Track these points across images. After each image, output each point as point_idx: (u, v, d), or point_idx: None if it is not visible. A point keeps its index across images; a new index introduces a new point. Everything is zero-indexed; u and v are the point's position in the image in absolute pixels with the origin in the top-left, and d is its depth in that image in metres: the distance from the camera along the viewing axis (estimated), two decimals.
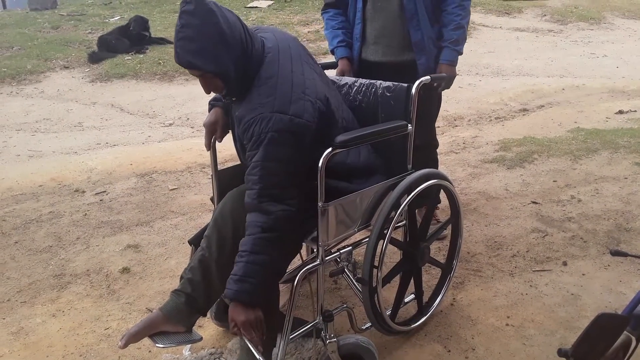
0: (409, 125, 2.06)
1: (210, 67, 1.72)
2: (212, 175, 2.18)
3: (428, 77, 2.10)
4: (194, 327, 1.98)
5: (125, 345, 1.85)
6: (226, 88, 1.80)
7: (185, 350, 2.20)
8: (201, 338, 1.95)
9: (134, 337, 1.86)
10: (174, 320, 1.91)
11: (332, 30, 2.73)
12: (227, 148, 2.22)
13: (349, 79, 2.29)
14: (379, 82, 2.19)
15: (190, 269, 1.97)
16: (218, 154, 2.19)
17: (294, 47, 1.94)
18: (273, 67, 1.81)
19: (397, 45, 2.65)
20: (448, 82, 2.62)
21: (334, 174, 1.88)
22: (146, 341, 2.15)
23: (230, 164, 2.51)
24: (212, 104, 2.08)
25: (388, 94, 2.15)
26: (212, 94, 2.00)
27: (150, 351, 2.23)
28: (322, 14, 2.79)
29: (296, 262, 2.66)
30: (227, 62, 1.73)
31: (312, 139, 1.78)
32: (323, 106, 1.84)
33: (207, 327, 2.35)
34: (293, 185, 1.76)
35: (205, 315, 2.07)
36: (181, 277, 2.00)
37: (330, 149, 1.77)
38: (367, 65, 2.70)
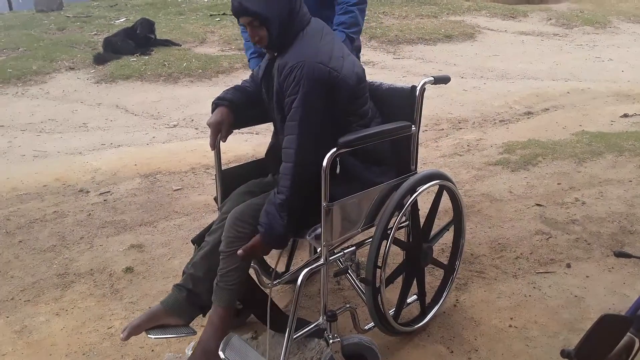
0: (413, 125, 2.06)
1: (259, 10, 1.84)
2: (215, 175, 2.19)
3: (431, 77, 2.10)
4: (194, 323, 2.00)
5: (127, 337, 1.88)
6: (269, 38, 1.90)
7: (188, 349, 2.20)
8: (195, 332, 1.98)
9: (135, 330, 1.90)
10: (175, 314, 1.94)
11: (246, 42, 2.74)
12: (231, 149, 2.24)
13: None
14: (382, 83, 2.19)
15: (192, 264, 1.99)
16: (222, 155, 2.20)
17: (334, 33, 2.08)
18: (317, 28, 1.97)
19: None
20: None
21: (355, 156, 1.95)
22: (149, 340, 2.17)
23: (233, 165, 2.51)
24: (216, 103, 2.08)
25: (391, 95, 2.15)
26: (210, 98, 2.05)
27: (152, 350, 2.24)
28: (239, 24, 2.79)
29: (299, 262, 2.67)
30: (275, 10, 1.85)
31: (347, 99, 1.91)
32: (362, 75, 1.98)
33: None
34: (326, 137, 1.83)
35: (205, 314, 2.08)
36: (183, 272, 2.01)
37: (334, 149, 1.78)
38: None
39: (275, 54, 1.97)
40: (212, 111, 2.09)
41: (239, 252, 1.88)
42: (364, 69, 2.02)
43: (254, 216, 1.91)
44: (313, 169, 1.80)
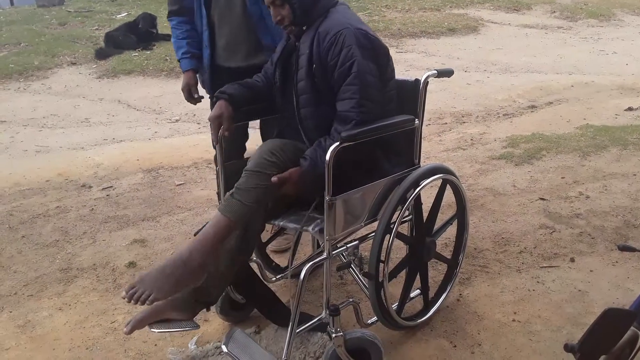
0: (416, 119, 2.05)
1: None
2: (218, 169, 2.18)
3: (435, 70, 2.09)
4: (197, 318, 1.99)
5: (130, 331, 1.88)
6: (293, 15, 1.92)
7: (191, 343, 2.20)
8: (198, 327, 1.97)
9: (139, 323, 1.89)
10: (179, 309, 1.94)
11: (176, 40, 2.62)
12: None
13: None
14: None
15: None
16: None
17: None
18: (345, 9, 2.01)
19: (247, 50, 2.56)
20: None
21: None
22: (152, 335, 2.16)
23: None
24: (216, 96, 2.07)
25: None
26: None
27: (156, 345, 2.24)
28: (168, 20, 2.66)
29: (302, 256, 2.67)
30: None
31: (386, 68, 1.96)
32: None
33: (212, 322, 2.35)
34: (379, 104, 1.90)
35: (209, 309, 2.08)
36: None
37: (337, 143, 1.77)
38: (221, 71, 2.59)
39: (304, 28, 1.97)
40: (213, 105, 2.09)
41: (274, 178, 1.85)
42: None
43: (293, 151, 1.95)
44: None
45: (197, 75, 2.67)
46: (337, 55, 1.86)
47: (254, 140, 2.61)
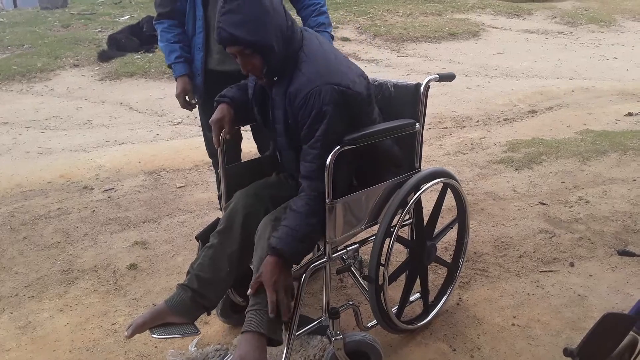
0: (417, 123, 2.06)
1: (253, 38, 1.72)
2: (220, 172, 2.18)
3: (436, 75, 2.10)
4: (197, 322, 1.99)
5: (131, 335, 1.88)
6: (267, 65, 1.79)
7: (191, 346, 2.21)
8: (199, 332, 1.97)
9: (140, 328, 1.89)
10: (179, 314, 1.94)
11: (167, 44, 2.50)
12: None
13: None
14: (386, 80, 2.19)
15: (198, 265, 1.98)
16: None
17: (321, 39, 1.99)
18: (315, 45, 1.86)
19: None
20: None
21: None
22: (152, 337, 2.16)
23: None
24: (217, 100, 2.08)
25: (396, 93, 2.15)
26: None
27: (156, 347, 2.24)
28: (155, 24, 2.54)
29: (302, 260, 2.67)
30: (270, 35, 1.73)
31: (361, 112, 1.85)
32: (367, 84, 1.91)
33: (212, 324, 2.36)
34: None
35: (209, 313, 2.08)
36: (188, 272, 2.01)
37: (338, 147, 1.78)
38: (215, 75, 2.51)
39: (275, 79, 1.86)
40: (214, 109, 2.08)
41: (249, 292, 1.80)
42: (365, 73, 1.97)
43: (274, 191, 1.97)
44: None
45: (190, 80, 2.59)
46: (307, 117, 1.76)
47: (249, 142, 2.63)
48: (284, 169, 2.12)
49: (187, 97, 2.55)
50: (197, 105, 2.62)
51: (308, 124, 1.76)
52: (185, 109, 2.62)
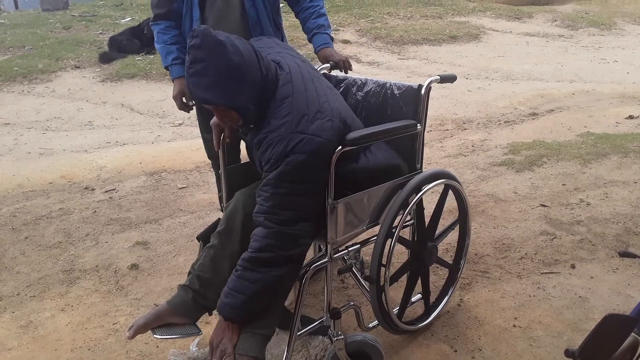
0: (418, 124, 2.06)
1: (224, 101, 1.69)
2: (221, 173, 2.19)
3: (438, 76, 2.11)
4: (199, 322, 2.00)
5: (133, 336, 1.88)
6: (243, 119, 1.76)
7: (192, 346, 2.21)
8: (200, 332, 1.97)
9: (142, 328, 1.89)
10: (181, 314, 1.94)
11: (164, 46, 2.48)
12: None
13: (354, 77, 2.30)
14: (388, 82, 2.19)
15: (199, 265, 1.99)
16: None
17: (303, 66, 1.91)
18: (287, 89, 1.77)
19: None
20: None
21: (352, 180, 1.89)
22: (154, 338, 2.17)
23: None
24: None
25: (397, 94, 2.15)
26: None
27: (157, 346, 2.25)
28: (151, 25, 2.53)
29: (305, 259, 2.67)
30: (241, 94, 1.68)
31: (329, 158, 1.75)
32: (341, 125, 1.79)
33: (214, 324, 2.34)
34: (303, 209, 1.73)
35: (211, 313, 2.09)
36: (189, 273, 2.01)
37: (340, 147, 1.78)
38: None
39: (251, 126, 1.84)
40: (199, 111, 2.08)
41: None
42: (341, 109, 1.86)
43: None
44: (278, 242, 1.72)
45: None
46: (266, 163, 1.72)
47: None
48: None
49: (184, 98, 2.55)
50: (194, 107, 2.62)
51: (265, 169, 1.72)
52: (182, 111, 2.61)
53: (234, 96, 1.68)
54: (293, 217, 1.71)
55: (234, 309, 1.75)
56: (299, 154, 1.66)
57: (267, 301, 1.78)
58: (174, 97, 2.56)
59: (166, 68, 2.55)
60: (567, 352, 1.65)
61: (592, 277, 2.64)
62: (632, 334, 1.75)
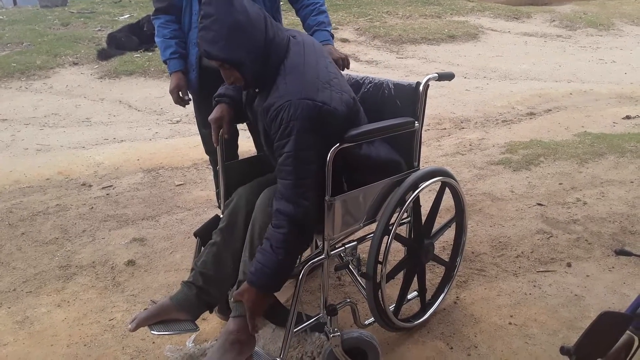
0: (416, 122, 2.07)
1: (224, 55, 1.74)
2: (219, 169, 2.19)
3: (435, 74, 2.11)
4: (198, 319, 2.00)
5: (135, 329, 1.89)
6: (244, 79, 1.80)
7: (189, 342, 2.21)
8: (198, 329, 1.97)
9: (144, 321, 1.90)
10: (183, 310, 1.94)
11: (163, 40, 2.50)
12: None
13: (352, 75, 2.30)
14: (386, 79, 2.20)
15: (202, 262, 1.99)
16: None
17: (318, 46, 1.96)
18: (299, 58, 1.82)
19: None
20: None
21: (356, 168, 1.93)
22: (151, 334, 2.17)
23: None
24: (217, 100, 2.08)
25: (395, 92, 2.16)
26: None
27: (154, 342, 2.25)
28: (152, 19, 2.55)
29: (301, 258, 2.68)
30: (241, 50, 1.74)
31: (340, 129, 1.79)
32: (351, 100, 1.86)
33: (210, 320, 2.36)
34: (322, 177, 1.77)
35: (212, 310, 2.09)
36: (192, 269, 2.01)
37: (338, 144, 1.78)
38: (209, 71, 2.50)
39: (257, 90, 1.89)
40: (213, 108, 2.09)
41: (235, 297, 1.83)
42: (351, 90, 1.93)
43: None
44: (311, 213, 1.76)
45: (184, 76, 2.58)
46: (277, 132, 1.74)
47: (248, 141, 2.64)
48: None
49: (180, 92, 2.56)
50: (190, 102, 2.63)
51: (277, 138, 1.74)
52: (178, 105, 2.62)
53: (234, 51, 1.73)
54: (311, 184, 1.75)
55: (267, 284, 1.78)
56: (308, 119, 1.70)
57: (289, 269, 1.84)
58: (171, 91, 2.57)
59: (164, 62, 2.55)
60: (563, 350, 1.66)
61: (587, 276, 2.65)
62: (627, 331, 1.76)
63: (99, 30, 9.25)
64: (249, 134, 2.69)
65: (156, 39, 2.56)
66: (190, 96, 2.62)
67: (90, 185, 3.89)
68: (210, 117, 2.05)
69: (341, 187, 1.91)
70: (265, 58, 1.78)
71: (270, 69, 1.80)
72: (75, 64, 7.52)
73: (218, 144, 2.11)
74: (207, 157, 4.29)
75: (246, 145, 2.78)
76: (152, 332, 1.92)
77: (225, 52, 1.74)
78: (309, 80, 1.77)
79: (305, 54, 1.85)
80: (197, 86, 2.56)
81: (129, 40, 8.00)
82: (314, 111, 1.71)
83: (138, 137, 5.01)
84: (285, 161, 1.73)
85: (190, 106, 2.69)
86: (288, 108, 1.71)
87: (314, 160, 1.74)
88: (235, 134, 2.66)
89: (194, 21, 2.47)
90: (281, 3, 2.61)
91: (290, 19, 6.30)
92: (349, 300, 2.07)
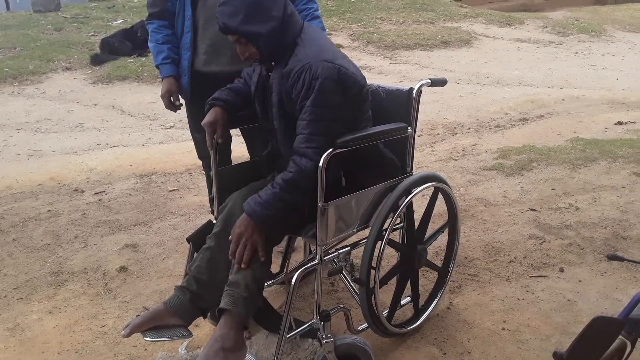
0: (409, 127, 2.07)
1: (244, 29, 1.81)
2: (212, 175, 2.18)
3: (428, 80, 2.12)
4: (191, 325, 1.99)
5: (129, 335, 1.87)
6: (261, 54, 1.88)
7: (181, 348, 2.20)
8: (191, 335, 1.96)
9: (137, 328, 1.88)
10: (177, 315, 1.93)
11: (156, 45, 2.52)
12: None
13: None
14: (379, 85, 2.20)
15: (196, 267, 1.98)
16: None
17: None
18: (317, 34, 1.95)
19: (232, 54, 2.39)
20: None
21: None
22: (142, 339, 2.16)
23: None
24: (210, 104, 2.08)
25: (388, 97, 2.16)
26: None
27: (146, 349, 2.23)
28: (146, 24, 2.57)
29: (294, 262, 2.67)
30: (261, 24, 1.82)
31: (357, 98, 1.90)
32: (364, 80, 1.95)
33: (203, 327, 2.34)
34: (337, 136, 1.81)
35: (205, 316, 2.08)
36: (185, 274, 2.01)
37: (330, 150, 1.78)
38: (201, 76, 2.53)
39: (273, 63, 1.94)
40: (207, 112, 2.08)
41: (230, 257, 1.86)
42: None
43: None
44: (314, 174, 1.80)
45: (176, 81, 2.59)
46: (299, 91, 1.81)
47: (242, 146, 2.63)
48: (280, 168, 2.10)
49: (172, 98, 2.57)
50: (181, 107, 2.63)
51: (301, 97, 1.81)
52: (169, 110, 2.63)
53: (252, 25, 1.81)
54: (325, 142, 1.79)
55: (263, 220, 1.81)
56: (328, 79, 1.78)
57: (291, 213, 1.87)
58: (162, 96, 2.58)
59: (157, 67, 2.56)
60: (555, 355, 1.66)
61: (580, 281, 2.65)
62: (620, 336, 1.76)
63: (93, 35, 9.23)
64: (241, 139, 2.69)
65: (149, 44, 2.57)
66: (181, 101, 2.62)
67: (83, 191, 3.87)
68: (204, 121, 2.05)
69: (339, 185, 1.94)
70: (282, 33, 1.86)
71: (287, 43, 1.88)
72: (68, 69, 7.50)
73: (212, 148, 2.10)
74: (200, 163, 4.28)
75: (239, 150, 2.77)
76: (145, 338, 1.91)
77: (244, 25, 1.81)
78: (328, 48, 1.89)
79: (320, 34, 1.98)
80: (189, 91, 2.56)
81: (123, 45, 8.00)
82: (333, 72, 1.79)
83: (131, 143, 4.99)
84: (302, 116, 1.81)
85: (183, 111, 2.69)
86: (309, 69, 1.79)
87: (332, 119, 1.80)
88: (228, 139, 2.66)
89: (187, 26, 2.47)
90: None
91: None
92: (342, 305, 2.06)
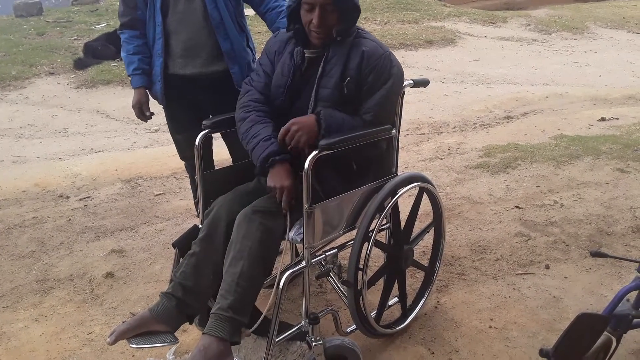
0: (393, 129, 2.08)
1: None
2: (197, 178, 2.18)
3: (411, 80, 2.13)
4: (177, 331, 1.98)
5: (114, 342, 1.86)
6: (342, 25, 1.99)
7: (169, 354, 2.19)
8: (177, 341, 1.95)
9: (123, 335, 1.87)
10: (162, 322, 1.92)
11: (127, 55, 2.55)
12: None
13: None
14: None
15: (181, 273, 1.97)
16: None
17: None
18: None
19: (207, 56, 2.50)
20: None
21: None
22: (130, 347, 2.14)
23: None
24: (273, 161, 2.03)
25: None
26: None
27: (133, 356, 2.22)
28: (118, 34, 2.59)
29: (281, 265, 2.67)
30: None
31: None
32: None
33: (190, 332, 2.33)
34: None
35: (192, 322, 2.07)
36: (171, 280, 1.99)
37: (315, 152, 1.79)
38: (176, 79, 2.54)
39: (338, 38, 2.00)
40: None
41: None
42: None
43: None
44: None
45: (147, 91, 2.62)
46: (379, 77, 1.97)
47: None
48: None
49: (142, 108, 2.60)
50: (152, 117, 2.65)
51: (381, 81, 1.98)
52: (140, 120, 2.67)
53: None
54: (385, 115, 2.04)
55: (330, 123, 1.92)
56: (398, 68, 2.04)
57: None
58: (133, 106, 2.62)
59: (129, 77, 2.59)
60: (542, 352, 1.68)
61: (565, 277, 2.68)
62: (605, 332, 1.79)
63: (76, 39, 9.15)
64: (221, 143, 2.69)
65: (122, 54, 2.60)
66: (152, 111, 2.65)
67: (68, 197, 3.84)
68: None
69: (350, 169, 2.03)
70: (355, 11, 2.03)
71: (354, 26, 2.05)
72: (52, 73, 7.43)
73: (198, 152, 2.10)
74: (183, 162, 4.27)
75: (224, 153, 2.76)
76: (131, 345, 1.90)
77: None
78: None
79: None
80: (163, 96, 2.58)
81: (106, 49, 7.92)
82: (398, 68, 2.05)
83: (116, 147, 4.96)
84: (375, 96, 1.99)
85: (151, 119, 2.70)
86: (388, 58, 2.01)
87: (394, 105, 2.10)
88: (209, 143, 2.67)
89: (158, 32, 2.48)
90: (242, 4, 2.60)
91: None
92: (330, 308, 2.07)
